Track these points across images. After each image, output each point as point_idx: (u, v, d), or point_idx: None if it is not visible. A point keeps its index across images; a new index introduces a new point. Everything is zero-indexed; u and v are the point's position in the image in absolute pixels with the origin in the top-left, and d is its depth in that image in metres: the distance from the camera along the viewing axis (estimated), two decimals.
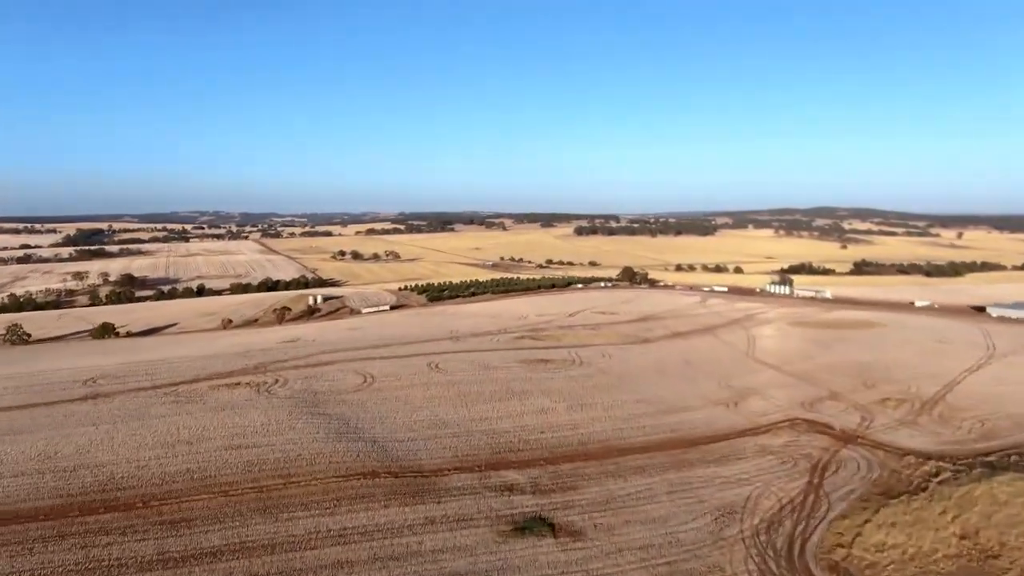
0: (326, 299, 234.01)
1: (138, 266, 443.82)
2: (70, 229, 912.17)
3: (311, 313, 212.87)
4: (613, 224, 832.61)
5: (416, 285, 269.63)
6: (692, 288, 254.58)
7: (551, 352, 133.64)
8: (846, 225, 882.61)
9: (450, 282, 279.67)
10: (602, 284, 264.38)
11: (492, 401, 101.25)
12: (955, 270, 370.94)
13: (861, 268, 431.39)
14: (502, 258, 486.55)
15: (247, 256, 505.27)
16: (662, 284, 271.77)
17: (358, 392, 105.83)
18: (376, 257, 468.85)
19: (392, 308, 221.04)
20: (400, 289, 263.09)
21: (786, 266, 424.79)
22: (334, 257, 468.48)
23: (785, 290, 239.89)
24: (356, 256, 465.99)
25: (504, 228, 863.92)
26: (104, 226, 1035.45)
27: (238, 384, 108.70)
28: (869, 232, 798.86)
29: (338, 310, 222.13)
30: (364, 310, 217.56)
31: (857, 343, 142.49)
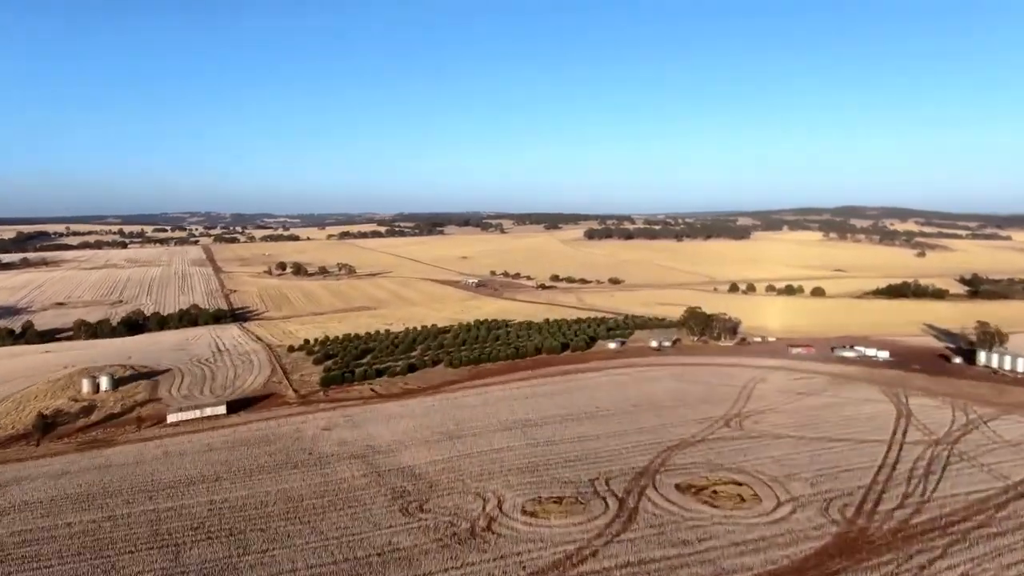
0: (123, 381, 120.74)
1: (3, 286, 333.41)
2: (29, 231, 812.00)
3: (45, 430, 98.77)
4: (629, 226, 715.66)
5: (324, 340, 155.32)
6: (814, 350, 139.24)
7: None
8: (890, 226, 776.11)
9: (388, 331, 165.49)
10: (653, 343, 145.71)
11: None
12: None
13: (978, 288, 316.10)
14: (493, 272, 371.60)
15: (165, 269, 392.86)
16: (759, 339, 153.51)
17: None
18: (324, 272, 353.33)
19: (231, 410, 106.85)
20: (294, 348, 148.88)
21: (882, 285, 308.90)
22: (269, 272, 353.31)
23: (1019, 364, 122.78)
24: (299, 271, 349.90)
25: (502, 231, 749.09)
26: (61, 228, 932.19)
27: None
28: (923, 235, 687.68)
29: (129, 411, 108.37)
30: (172, 417, 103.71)
31: None
